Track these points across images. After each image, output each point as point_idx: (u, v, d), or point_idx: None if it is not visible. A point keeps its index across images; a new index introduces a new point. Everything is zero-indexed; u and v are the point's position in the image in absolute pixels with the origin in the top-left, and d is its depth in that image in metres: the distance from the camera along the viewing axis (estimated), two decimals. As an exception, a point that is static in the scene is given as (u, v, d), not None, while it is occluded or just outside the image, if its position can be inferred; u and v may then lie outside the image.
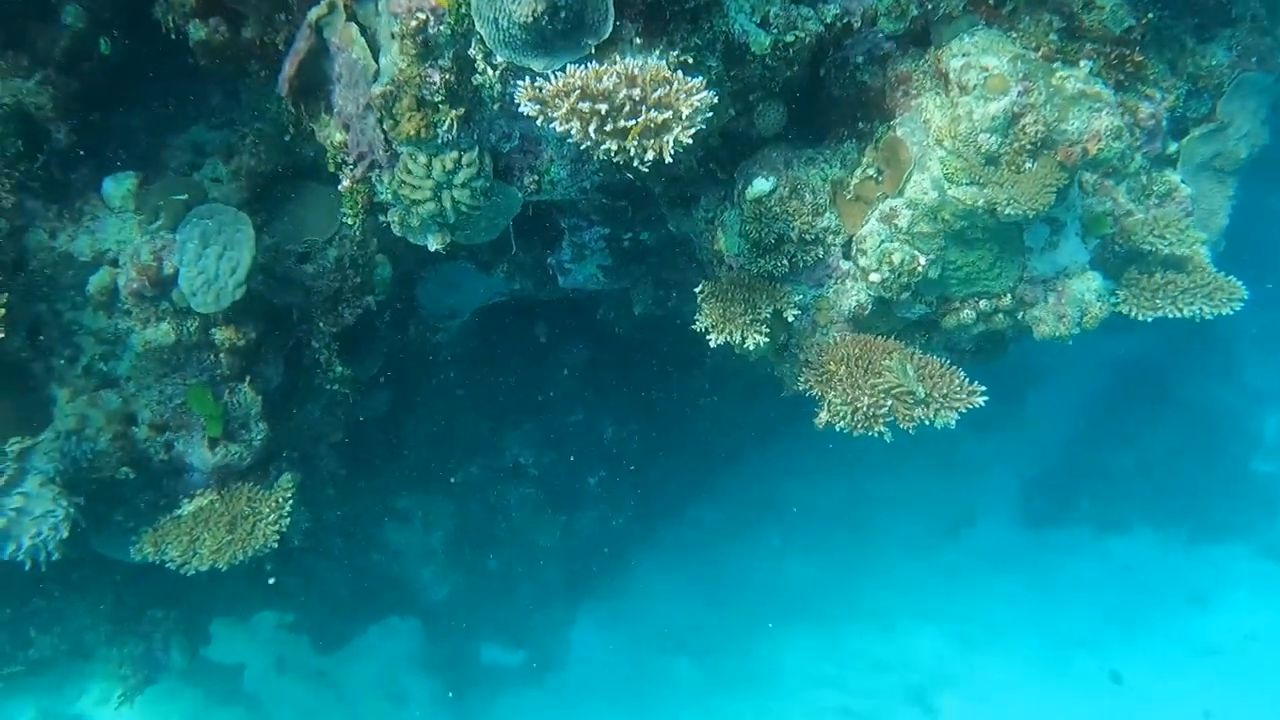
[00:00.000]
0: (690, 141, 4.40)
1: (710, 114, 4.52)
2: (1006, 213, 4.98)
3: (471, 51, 5.03)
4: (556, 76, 4.44)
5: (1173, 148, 6.37)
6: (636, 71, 4.42)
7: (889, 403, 5.40)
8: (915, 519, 14.41)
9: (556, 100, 4.39)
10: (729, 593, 13.64)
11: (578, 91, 4.36)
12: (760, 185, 5.68)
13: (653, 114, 4.35)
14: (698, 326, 5.85)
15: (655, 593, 13.27)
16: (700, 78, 4.53)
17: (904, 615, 13.47)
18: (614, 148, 4.38)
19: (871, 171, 5.74)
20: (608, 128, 4.36)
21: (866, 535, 14.63)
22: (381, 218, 5.97)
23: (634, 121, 4.33)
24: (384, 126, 5.38)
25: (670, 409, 11.16)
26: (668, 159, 4.41)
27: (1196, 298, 5.84)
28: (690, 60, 4.92)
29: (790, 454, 13.78)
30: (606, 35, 4.72)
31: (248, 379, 6.65)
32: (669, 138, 4.37)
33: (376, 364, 8.85)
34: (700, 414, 11.64)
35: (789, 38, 5.12)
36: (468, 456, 10.37)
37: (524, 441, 10.35)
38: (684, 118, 4.39)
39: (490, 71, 5.06)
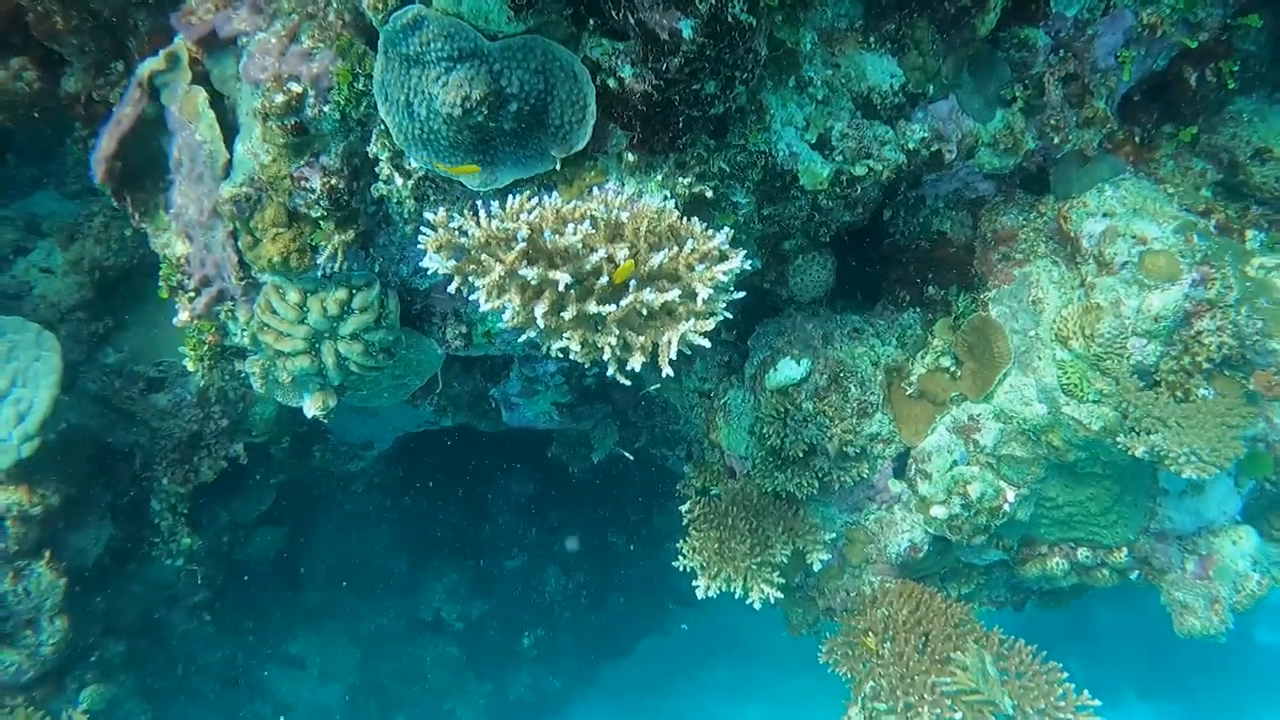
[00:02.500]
0: (706, 343, 2.49)
1: (741, 295, 2.62)
2: (1185, 474, 3.10)
3: (373, 148, 3.12)
4: (488, 212, 2.52)
5: (1326, 346, 4.56)
6: (625, 216, 2.50)
7: (959, 716, 3.45)
8: (888, 673, 12.38)
9: (485, 257, 2.46)
10: (682, 740, 11.57)
11: (522, 244, 2.43)
12: (788, 371, 3.77)
13: (646, 294, 2.43)
14: (682, 564, 3.89)
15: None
16: (726, 230, 2.64)
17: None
18: (577, 347, 2.45)
19: (947, 361, 3.86)
20: (567, 312, 2.43)
21: (831, 681, 12.59)
22: (237, 365, 3.99)
23: (614, 307, 2.41)
24: (238, 243, 3.43)
25: (626, 552, 9.14)
26: (667, 369, 2.48)
27: (1375, 568, 3.98)
28: (709, 193, 3.03)
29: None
30: (581, 145, 2.82)
31: (46, 554, 4.57)
32: (672, 336, 2.45)
33: (265, 502, 6.80)
34: (661, 555, 9.62)
35: (858, 170, 3.25)
36: (379, 603, 8.27)
37: (449, 590, 8.29)
38: (700, 302, 2.47)
39: (399, 180, 3.15)
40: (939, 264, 3.96)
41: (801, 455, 3.71)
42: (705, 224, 2.64)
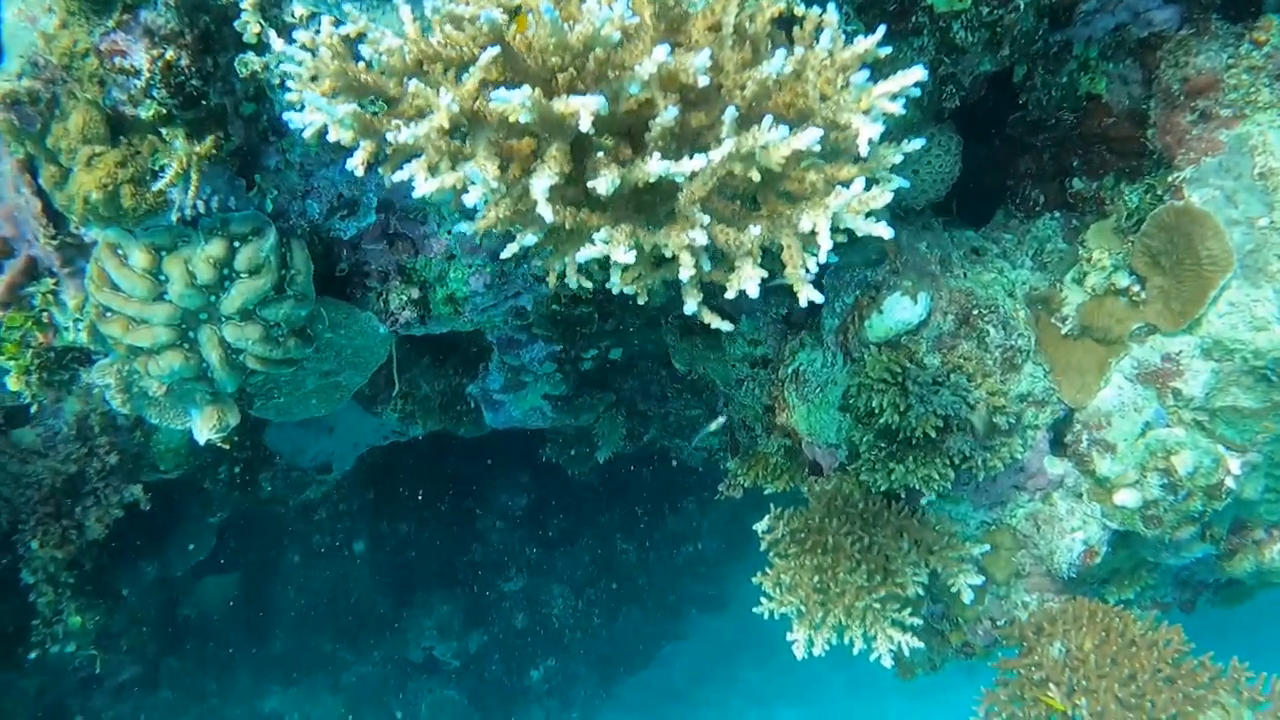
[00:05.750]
0: (885, 231, 1.19)
1: (920, 143, 1.33)
2: None
3: (225, -14, 1.81)
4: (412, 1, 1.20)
5: None
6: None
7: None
8: (927, 661, 11.18)
9: (417, 87, 1.14)
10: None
11: (492, 50, 1.11)
12: (901, 313, 2.49)
13: (770, 133, 1.12)
14: (767, 609, 2.60)
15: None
16: (878, 27, 1.36)
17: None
18: (625, 255, 1.13)
19: (1122, 279, 2.59)
20: (604, 179, 1.12)
21: (863, 678, 11.46)
22: (83, 374, 2.67)
23: (702, 159, 1.10)
24: (39, 180, 2.11)
25: (638, 559, 7.87)
26: (810, 293, 1.18)
27: None
28: (799, 8, 1.73)
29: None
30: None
31: None
32: (817, 219, 1.15)
33: (204, 547, 5.46)
34: (677, 558, 8.39)
35: (1023, -30, 1.96)
36: (362, 646, 6.94)
37: (440, 625, 6.97)
38: (862, 149, 1.17)
39: (278, 43, 1.83)
40: (1090, 143, 2.69)
41: (933, 434, 2.43)
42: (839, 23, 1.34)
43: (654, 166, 1.08)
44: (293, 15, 1.84)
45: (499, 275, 2.57)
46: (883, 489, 2.59)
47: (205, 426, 2.59)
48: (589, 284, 1.28)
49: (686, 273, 1.16)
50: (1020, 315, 2.66)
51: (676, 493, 7.56)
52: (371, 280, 2.53)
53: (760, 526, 2.68)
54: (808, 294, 1.19)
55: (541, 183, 1.07)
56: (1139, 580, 3.14)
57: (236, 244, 2.21)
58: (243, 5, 1.83)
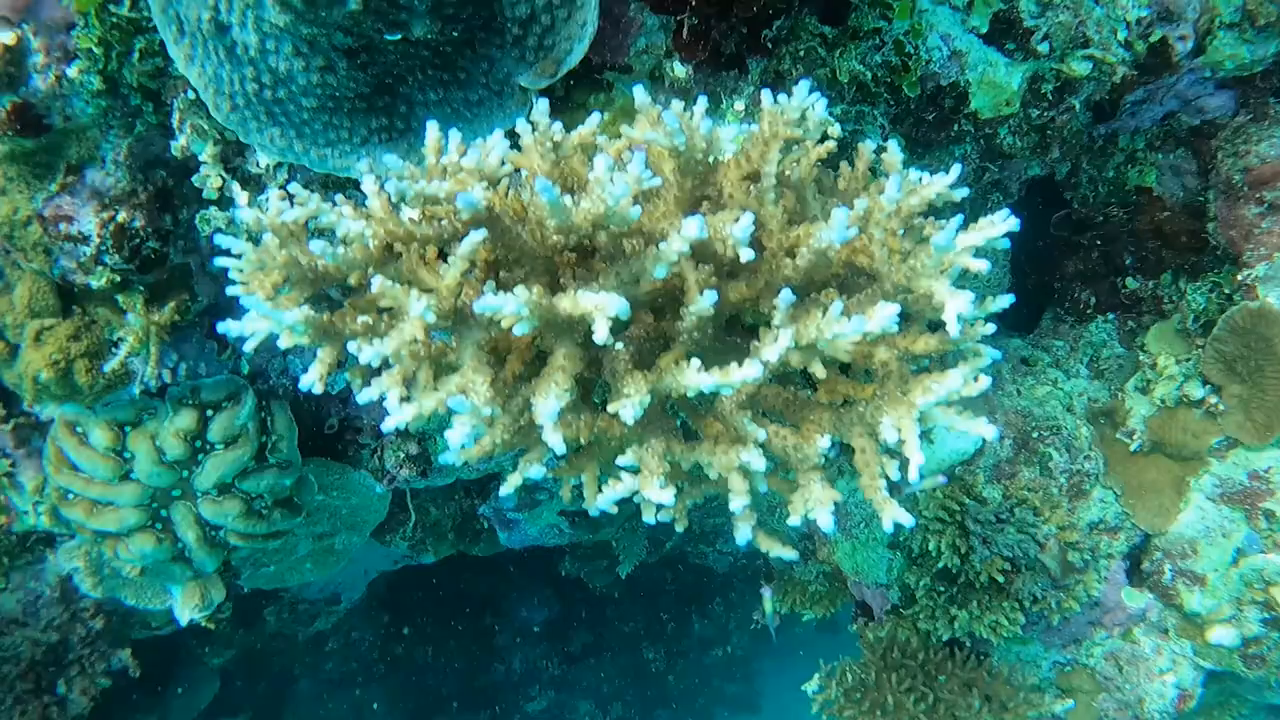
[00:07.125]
0: (988, 431, 0.92)
1: (1007, 302, 1.07)
2: None
3: (181, 140, 1.58)
4: (379, 179, 0.95)
5: None
6: (728, 142, 0.94)
7: None
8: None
9: (383, 285, 0.88)
10: None
11: (478, 236, 0.85)
12: (953, 440, 2.21)
13: (826, 323, 0.85)
14: (823, 786, 2.27)
15: None
16: (954, 166, 1.11)
17: None
18: (658, 487, 0.86)
19: (1196, 390, 2.31)
20: (630, 397, 0.85)
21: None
22: (49, 556, 2.40)
23: (756, 370, 0.83)
24: (-11, 356, 1.87)
25: (665, 667, 7.44)
26: (895, 515, 0.90)
27: None
28: (835, 130, 1.49)
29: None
30: (577, 56, 1.26)
31: None
32: (900, 419, 0.88)
33: (207, 692, 5.11)
34: (705, 660, 7.95)
35: (1077, 67, 1.73)
36: (381, 780, 6.50)
37: (462, 752, 6.56)
38: (952, 323, 0.90)
39: (242, 196, 1.59)
40: (1143, 239, 2.44)
41: (999, 579, 2.13)
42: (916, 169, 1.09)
43: (693, 379, 0.82)
44: (257, 165, 1.62)
45: (505, 421, 2.31)
46: (944, 638, 2.28)
47: (187, 605, 2.30)
48: (614, 509, 1.01)
49: (739, 502, 0.89)
50: (1084, 434, 2.37)
51: (703, 595, 7.19)
52: (365, 436, 2.26)
53: (810, 688, 2.36)
54: (892, 515, 0.92)
55: (548, 405, 0.80)
56: (1230, 710, 2.79)
57: (210, 413, 1.95)
58: (202, 158, 1.60)
